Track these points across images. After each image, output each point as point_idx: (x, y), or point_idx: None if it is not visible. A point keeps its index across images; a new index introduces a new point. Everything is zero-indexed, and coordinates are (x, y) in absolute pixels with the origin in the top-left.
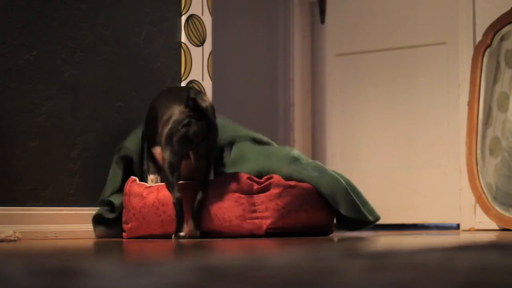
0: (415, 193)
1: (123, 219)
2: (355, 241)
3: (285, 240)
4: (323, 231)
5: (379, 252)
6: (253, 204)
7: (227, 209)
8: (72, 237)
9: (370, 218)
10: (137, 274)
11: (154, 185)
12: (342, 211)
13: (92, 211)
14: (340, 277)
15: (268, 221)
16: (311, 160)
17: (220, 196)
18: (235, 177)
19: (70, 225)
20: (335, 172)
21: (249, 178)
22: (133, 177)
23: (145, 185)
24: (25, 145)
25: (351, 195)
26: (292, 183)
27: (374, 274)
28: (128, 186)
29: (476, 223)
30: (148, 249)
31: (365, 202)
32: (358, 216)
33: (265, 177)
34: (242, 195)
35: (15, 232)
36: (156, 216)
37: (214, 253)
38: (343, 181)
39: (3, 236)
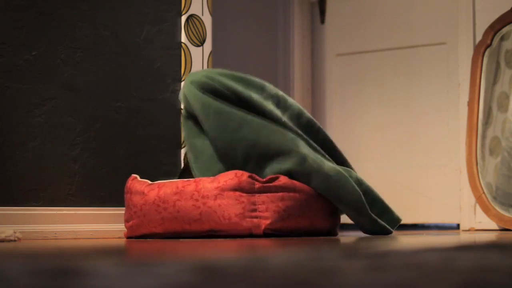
0: (415, 193)
1: (124, 217)
2: (355, 241)
3: (285, 240)
4: (325, 235)
5: (379, 252)
6: (254, 203)
7: (227, 206)
8: (72, 237)
9: (388, 228)
10: (137, 274)
11: (156, 182)
12: (365, 229)
13: (92, 211)
14: (340, 277)
15: (267, 221)
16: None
17: (220, 194)
18: (236, 175)
19: (70, 225)
20: (346, 169)
21: (250, 177)
22: (134, 175)
23: (146, 182)
24: (25, 145)
25: (375, 219)
26: (298, 185)
27: (374, 274)
28: (129, 183)
29: (476, 223)
30: (148, 249)
31: (384, 211)
32: (378, 231)
33: (269, 176)
34: (243, 194)
35: (15, 232)
36: (156, 213)
37: (214, 253)
38: (367, 206)
39: (3, 236)
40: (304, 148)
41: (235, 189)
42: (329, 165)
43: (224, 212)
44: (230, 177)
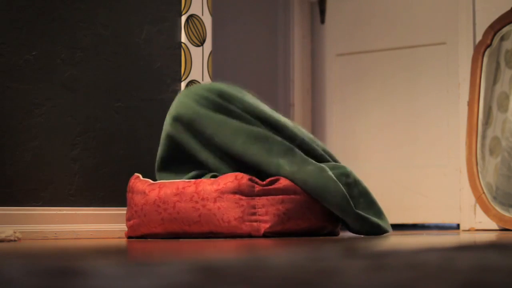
0: (415, 193)
1: (126, 216)
2: (355, 241)
3: (285, 240)
4: (325, 235)
5: (379, 252)
6: (253, 207)
7: (227, 209)
8: (72, 237)
9: (383, 226)
10: (137, 274)
11: (157, 182)
12: (355, 230)
13: (92, 211)
14: (340, 277)
15: (267, 225)
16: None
17: (220, 196)
18: (236, 177)
19: (70, 225)
20: (341, 167)
21: (250, 180)
22: (136, 174)
23: (148, 181)
24: (25, 145)
25: (362, 216)
26: (298, 187)
27: (374, 274)
28: (131, 182)
29: (476, 223)
30: (148, 249)
31: (379, 214)
32: (369, 231)
33: (270, 179)
34: (243, 197)
35: (15, 232)
36: (156, 213)
37: (214, 253)
38: (352, 205)
39: (3, 236)
40: (282, 158)
41: (234, 192)
42: (310, 169)
43: (224, 215)
44: (230, 180)
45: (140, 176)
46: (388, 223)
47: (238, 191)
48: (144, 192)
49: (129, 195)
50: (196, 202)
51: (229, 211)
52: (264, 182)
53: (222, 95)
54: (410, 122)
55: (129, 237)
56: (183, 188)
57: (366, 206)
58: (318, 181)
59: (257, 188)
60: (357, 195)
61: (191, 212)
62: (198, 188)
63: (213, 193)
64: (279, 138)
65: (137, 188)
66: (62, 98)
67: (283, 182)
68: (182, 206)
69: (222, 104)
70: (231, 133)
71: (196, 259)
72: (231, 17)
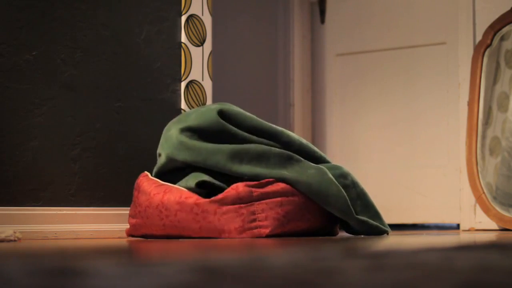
0: (415, 193)
1: (130, 212)
2: (355, 241)
3: (285, 240)
4: (325, 235)
5: (379, 252)
6: (253, 213)
7: (227, 221)
8: (72, 237)
9: (382, 227)
10: (137, 274)
11: (164, 184)
12: (355, 230)
13: (92, 211)
14: (340, 277)
15: (267, 230)
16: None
17: (220, 208)
18: (232, 188)
19: (70, 225)
20: (338, 173)
21: (247, 186)
22: (146, 172)
23: (156, 182)
24: (25, 145)
25: (363, 221)
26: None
27: (374, 274)
28: (139, 180)
29: (476, 223)
30: (149, 249)
31: (376, 216)
32: (369, 232)
33: (266, 180)
34: (242, 205)
35: (15, 232)
36: (159, 219)
37: (214, 253)
38: (352, 210)
39: (3, 236)
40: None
41: (234, 202)
42: (312, 172)
43: (224, 227)
44: (227, 190)
45: (149, 174)
46: (385, 224)
47: (237, 199)
48: (149, 194)
49: (135, 193)
50: (196, 214)
51: (229, 222)
52: (258, 183)
53: (221, 112)
54: (410, 122)
55: (130, 235)
56: (186, 198)
57: (362, 209)
58: (321, 184)
59: (255, 192)
60: (355, 197)
61: (192, 223)
62: (198, 200)
63: (213, 205)
64: (276, 150)
65: (143, 188)
66: (62, 98)
67: (281, 184)
68: (183, 216)
69: (224, 127)
70: (224, 158)
71: (196, 259)
72: (231, 17)
